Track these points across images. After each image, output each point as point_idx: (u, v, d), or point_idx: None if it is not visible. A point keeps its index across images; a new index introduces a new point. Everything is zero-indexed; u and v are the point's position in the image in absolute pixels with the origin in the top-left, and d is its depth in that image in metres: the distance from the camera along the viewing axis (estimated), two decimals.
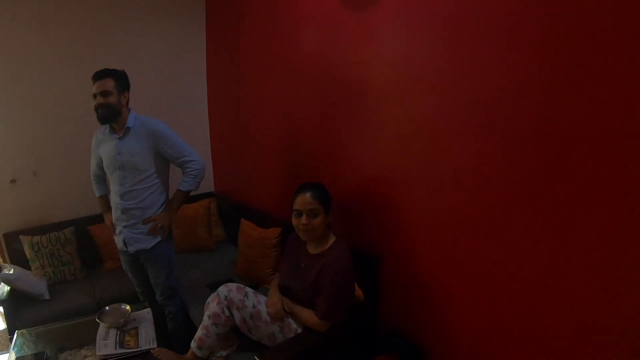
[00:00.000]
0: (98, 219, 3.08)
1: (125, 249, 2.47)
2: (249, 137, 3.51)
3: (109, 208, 2.57)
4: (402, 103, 1.99)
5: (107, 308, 2.48)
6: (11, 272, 2.90)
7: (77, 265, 3.31)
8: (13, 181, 3.31)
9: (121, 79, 2.25)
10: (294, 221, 2.02)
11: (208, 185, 4.29)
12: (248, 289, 2.10)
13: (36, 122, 3.34)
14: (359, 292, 2.26)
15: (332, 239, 2.07)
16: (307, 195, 1.98)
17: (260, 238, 2.90)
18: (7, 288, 2.88)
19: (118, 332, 2.34)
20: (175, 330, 2.68)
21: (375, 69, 2.13)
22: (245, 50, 3.42)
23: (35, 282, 3.01)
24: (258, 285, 2.87)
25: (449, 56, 1.75)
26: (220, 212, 3.93)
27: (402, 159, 2.04)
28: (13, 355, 2.23)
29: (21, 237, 3.23)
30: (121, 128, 2.30)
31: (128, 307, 2.47)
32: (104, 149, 2.39)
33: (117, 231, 2.49)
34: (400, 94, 2.00)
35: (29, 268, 3.16)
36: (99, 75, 2.20)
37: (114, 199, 2.42)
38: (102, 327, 2.35)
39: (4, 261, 3.32)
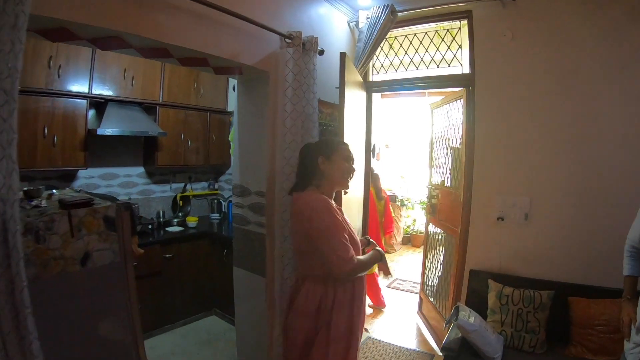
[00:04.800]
0: (581, 290, 2.65)
1: None
2: None
3: (634, 296, 1.85)
4: None
5: None
6: (471, 320, 2.51)
7: (541, 337, 2.65)
8: (500, 219, 3.03)
9: None
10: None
11: None
12: None
13: (538, 157, 2.91)
14: None
15: None
16: None
17: None
18: (459, 334, 2.48)
19: None
20: None
21: None
22: None
23: (493, 341, 2.53)
24: None
25: None
26: None
27: None
28: None
29: (490, 281, 2.90)
30: None
31: None
32: None
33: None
34: None
35: (484, 315, 2.78)
36: None
37: None
38: None
39: (462, 299, 3.02)
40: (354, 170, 2.07)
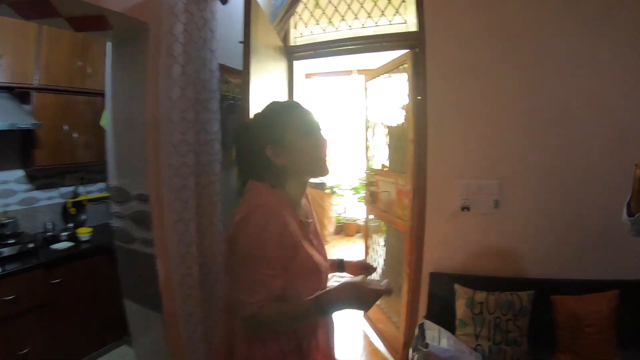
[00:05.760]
0: (565, 286, 2.27)
1: None
2: None
3: None
4: None
5: None
6: (444, 343, 2.00)
7: (524, 348, 2.21)
8: (466, 209, 2.50)
9: None
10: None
11: None
12: None
13: (507, 132, 2.43)
14: None
15: None
16: None
17: None
18: None
19: None
20: None
21: None
22: None
23: None
24: None
25: None
26: None
27: None
28: None
29: (457, 286, 2.36)
30: None
31: None
32: None
33: None
34: None
35: (452, 327, 2.28)
36: None
37: None
38: None
39: (420, 308, 2.60)
40: (324, 143, 1.30)
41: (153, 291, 1.91)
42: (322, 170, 1.29)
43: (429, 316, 2.39)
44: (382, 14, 2.65)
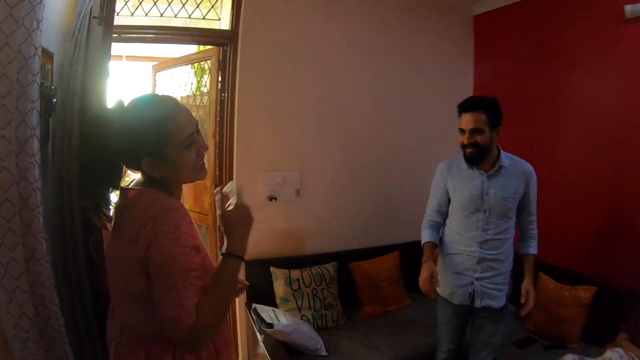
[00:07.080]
0: (360, 254, 2.86)
1: (466, 304, 2.03)
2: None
3: (431, 259, 2.00)
4: None
5: None
6: (283, 320, 2.21)
7: (339, 309, 2.67)
8: (273, 199, 2.74)
9: (494, 113, 1.88)
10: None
11: None
12: None
13: (308, 130, 2.82)
14: None
15: None
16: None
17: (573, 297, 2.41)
18: (272, 341, 2.19)
19: None
20: None
21: None
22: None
23: (309, 331, 2.31)
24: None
25: None
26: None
27: None
28: None
29: (273, 269, 2.60)
30: (490, 166, 1.95)
31: None
32: (461, 185, 2.02)
33: (461, 281, 2.03)
34: None
35: (273, 306, 2.51)
36: (470, 107, 1.89)
37: (466, 244, 1.99)
38: None
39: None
40: (206, 147, 1.13)
41: None
42: (201, 176, 1.16)
43: (251, 300, 2.51)
44: (197, 6, 2.60)
